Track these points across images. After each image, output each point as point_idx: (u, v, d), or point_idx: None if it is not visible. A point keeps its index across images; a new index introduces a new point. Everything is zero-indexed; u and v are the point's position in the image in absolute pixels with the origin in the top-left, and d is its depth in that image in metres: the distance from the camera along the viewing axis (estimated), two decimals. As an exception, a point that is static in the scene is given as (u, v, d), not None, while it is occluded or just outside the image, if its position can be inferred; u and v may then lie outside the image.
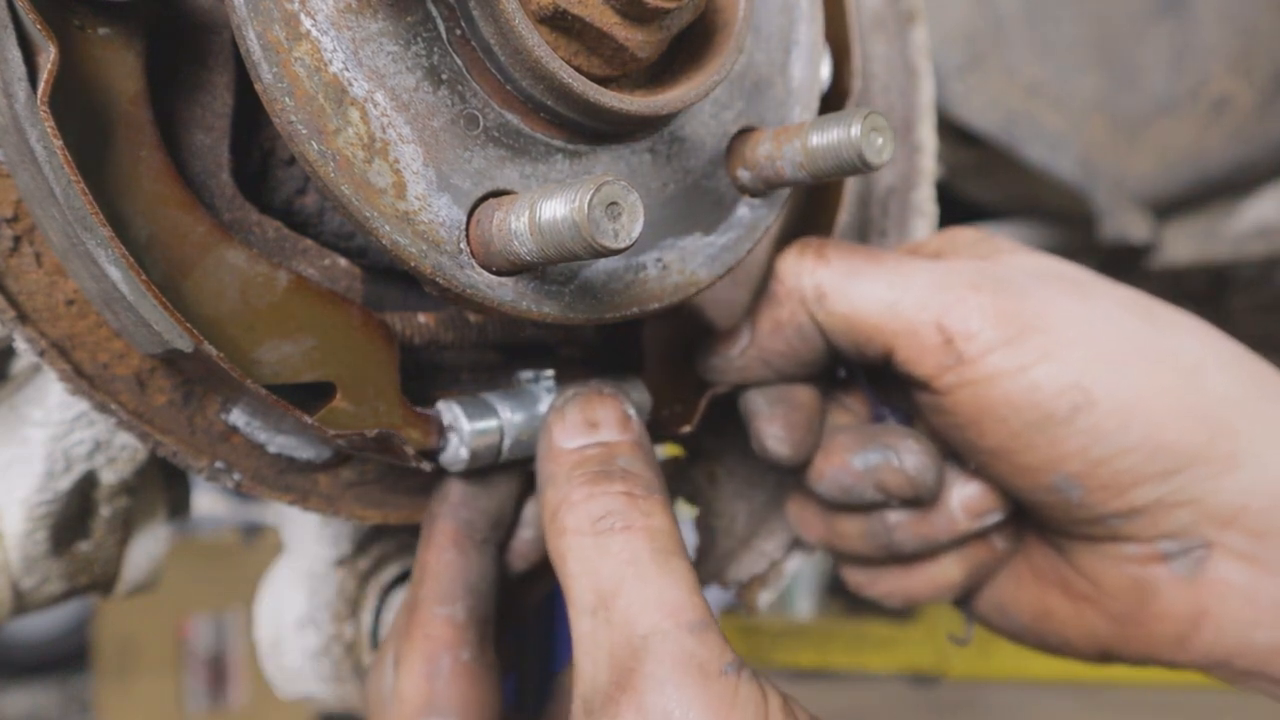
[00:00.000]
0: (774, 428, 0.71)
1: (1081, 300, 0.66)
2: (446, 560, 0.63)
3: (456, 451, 0.60)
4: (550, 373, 0.64)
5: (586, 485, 0.57)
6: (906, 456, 0.69)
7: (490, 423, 0.60)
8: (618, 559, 0.55)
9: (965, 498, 0.72)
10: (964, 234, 0.74)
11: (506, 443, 0.61)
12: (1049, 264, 0.70)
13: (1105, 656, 0.72)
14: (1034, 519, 0.72)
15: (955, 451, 0.71)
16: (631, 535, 0.55)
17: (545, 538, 0.59)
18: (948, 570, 0.75)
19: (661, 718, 0.50)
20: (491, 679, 0.62)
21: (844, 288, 0.66)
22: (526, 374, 0.65)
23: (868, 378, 0.77)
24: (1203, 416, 0.63)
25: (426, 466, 0.60)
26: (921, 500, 0.71)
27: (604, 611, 0.54)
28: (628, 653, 0.52)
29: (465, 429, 0.60)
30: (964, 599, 0.78)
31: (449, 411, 0.61)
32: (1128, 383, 0.63)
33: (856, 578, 0.78)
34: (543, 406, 0.62)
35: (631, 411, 0.62)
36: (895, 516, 0.73)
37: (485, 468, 0.62)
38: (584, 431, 0.60)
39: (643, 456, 0.60)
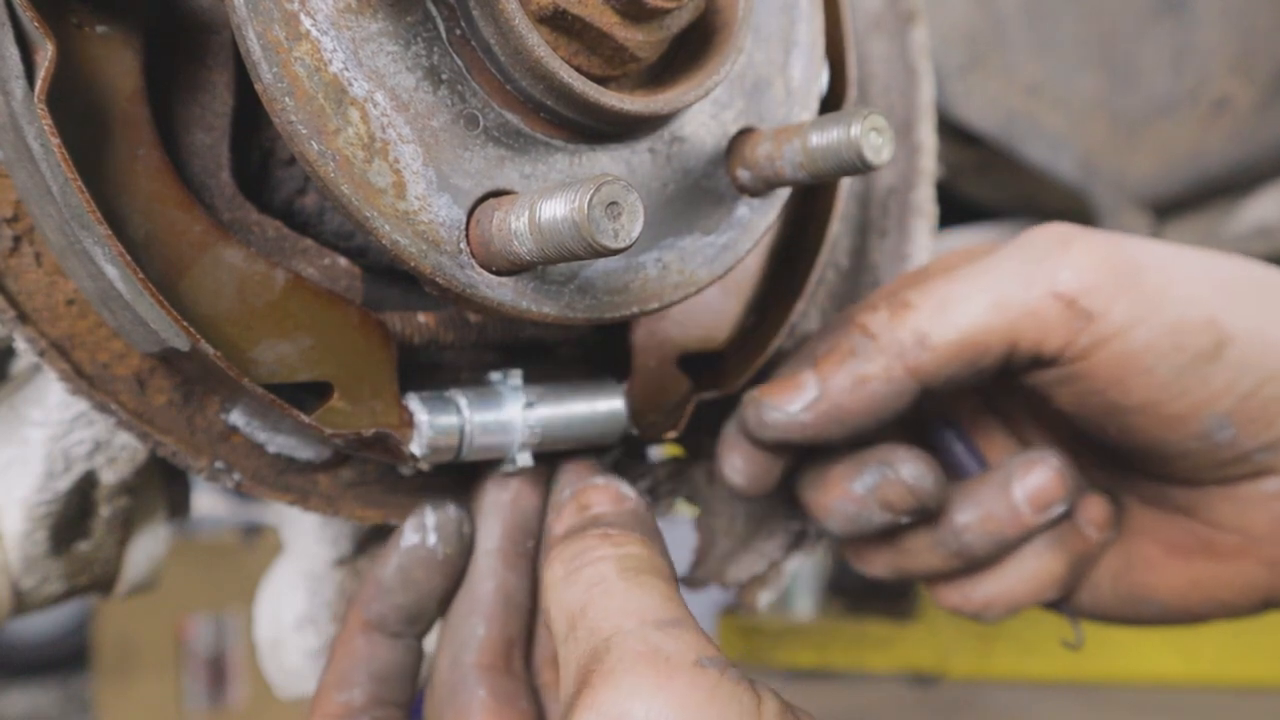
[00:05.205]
0: (735, 457, 0.70)
1: (1161, 244, 0.65)
2: (351, 648, 0.63)
3: (415, 446, 0.59)
4: (518, 373, 0.64)
5: (563, 541, 0.58)
6: (902, 467, 0.68)
7: (450, 419, 0.60)
8: (585, 584, 0.54)
9: (1029, 491, 0.70)
10: (955, 253, 0.73)
11: (466, 440, 0.60)
12: None
13: (1267, 604, 0.70)
14: (1167, 476, 0.70)
15: (1093, 425, 0.68)
16: (600, 563, 0.55)
17: (541, 602, 0.60)
18: (1049, 565, 0.73)
19: (618, 716, 0.47)
20: None
21: (943, 318, 0.64)
22: (495, 375, 0.64)
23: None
24: None
25: (424, 466, 0.60)
26: (929, 510, 0.69)
27: (572, 632, 0.52)
28: (590, 659, 0.50)
29: (425, 423, 0.59)
30: (1064, 600, 0.77)
31: (412, 406, 0.60)
32: (1252, 310, 0.63)
33: (951, 597, 0.76)
34: (508, 407, 0.62)
35: (626, 490, 0.63)
36: (962, 518, 0.71)
37: (446, 464, 0.62)
38: (576, 515, 0.61)
39: (629, 512, 0.61)
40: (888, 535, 0.74)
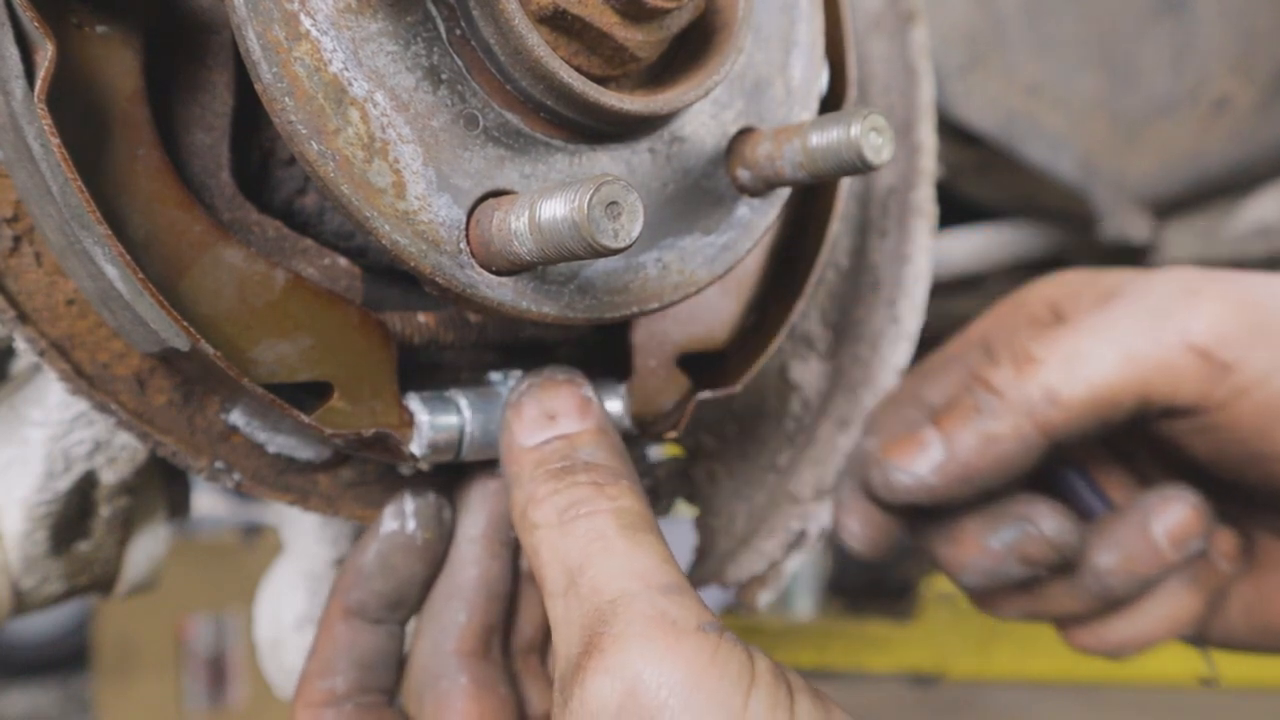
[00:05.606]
0: (852, 522, 0.69)
1: (1271, 279, 0.65)
2: (333, 635, 0.63)
3: (415, 446, 0.59)
4: (518, 373, 0.64)
5: (551, 481, 0.57)
6: (1043, 522, 0.68)
7: (450, 419, 0.60)
8: (584, 538, 0.54)
9: (1168, 528, 0.69)
10: (1051, 284, 0.72)
11: (466, 440, 0.60)
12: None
13: None
14: None
15: (1230, 470, 0.68)
16: (597, 517, 0.55)
17: (518, 535, 0.58)
18: (1186, 602, 0.73)
19: (631, 678, 0.48)
20: None
21: (1072, 373, 0.64)
22: (495, 375, 0.64)
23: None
24: None
25: (424, 466, 0.60)
26: (1068, 561, 0.69)
27: (573, 588, 0.53)
28: (596, 619, 0.51)
29: (425, 423, 0.59)
30: (1199, 633, 0.76)
31: (412, 406, 0.60)
32: None
33: (1086, 639, 0.76)
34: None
35: (589, 394, 0.61)
36: (1104, 561, 0.70)
37: (447, 464, 0.62)
38: (543, 425, 0.59)
39: (606, 443, 0.59)
40: (1021, 584, 0.74)
